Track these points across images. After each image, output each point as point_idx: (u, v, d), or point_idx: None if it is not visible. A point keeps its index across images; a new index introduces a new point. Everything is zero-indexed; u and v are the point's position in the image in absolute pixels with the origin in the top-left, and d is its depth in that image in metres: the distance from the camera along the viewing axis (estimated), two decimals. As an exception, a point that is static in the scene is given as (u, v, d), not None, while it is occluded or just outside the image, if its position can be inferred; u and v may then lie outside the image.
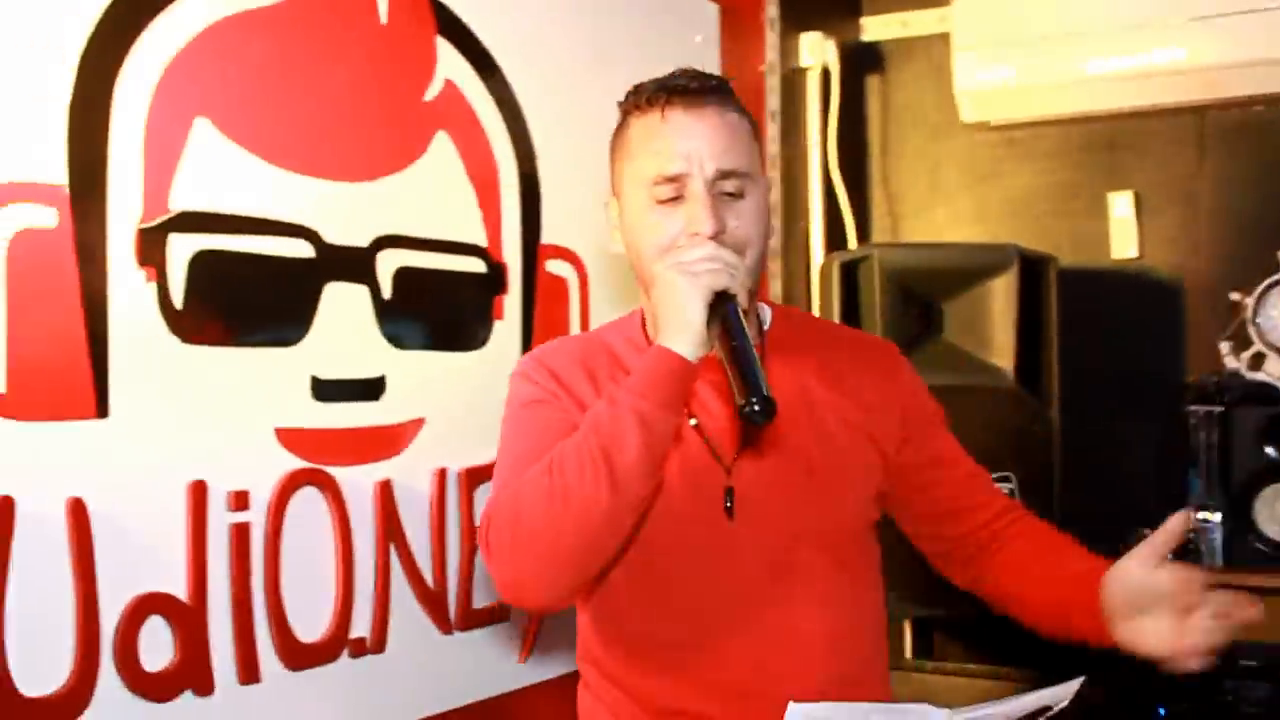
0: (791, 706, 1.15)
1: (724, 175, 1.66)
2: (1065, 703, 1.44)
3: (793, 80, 3.27)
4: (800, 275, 3.31)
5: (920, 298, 2.90)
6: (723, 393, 1.72)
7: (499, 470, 1.74)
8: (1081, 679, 1.51)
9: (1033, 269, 2.87)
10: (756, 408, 1.48)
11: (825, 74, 3.31)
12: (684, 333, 1.55)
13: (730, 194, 1.67)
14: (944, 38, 3.30)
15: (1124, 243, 3.24)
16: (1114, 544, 1.91)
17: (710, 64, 2.92)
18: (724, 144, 1.66)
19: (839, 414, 1.76)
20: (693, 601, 1.70)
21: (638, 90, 1.73)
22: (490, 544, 1.61)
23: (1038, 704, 1.19)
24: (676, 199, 1.65)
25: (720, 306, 1.56)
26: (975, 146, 3.40)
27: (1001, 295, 2.85)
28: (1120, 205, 3.22)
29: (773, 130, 3.17)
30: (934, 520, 1.88)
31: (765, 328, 1.82)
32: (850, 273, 2.89)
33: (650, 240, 1.68)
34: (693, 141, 1.65)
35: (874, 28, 3.51)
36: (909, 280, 2.87)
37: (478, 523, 1.94)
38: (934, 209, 3.49)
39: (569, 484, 1.53)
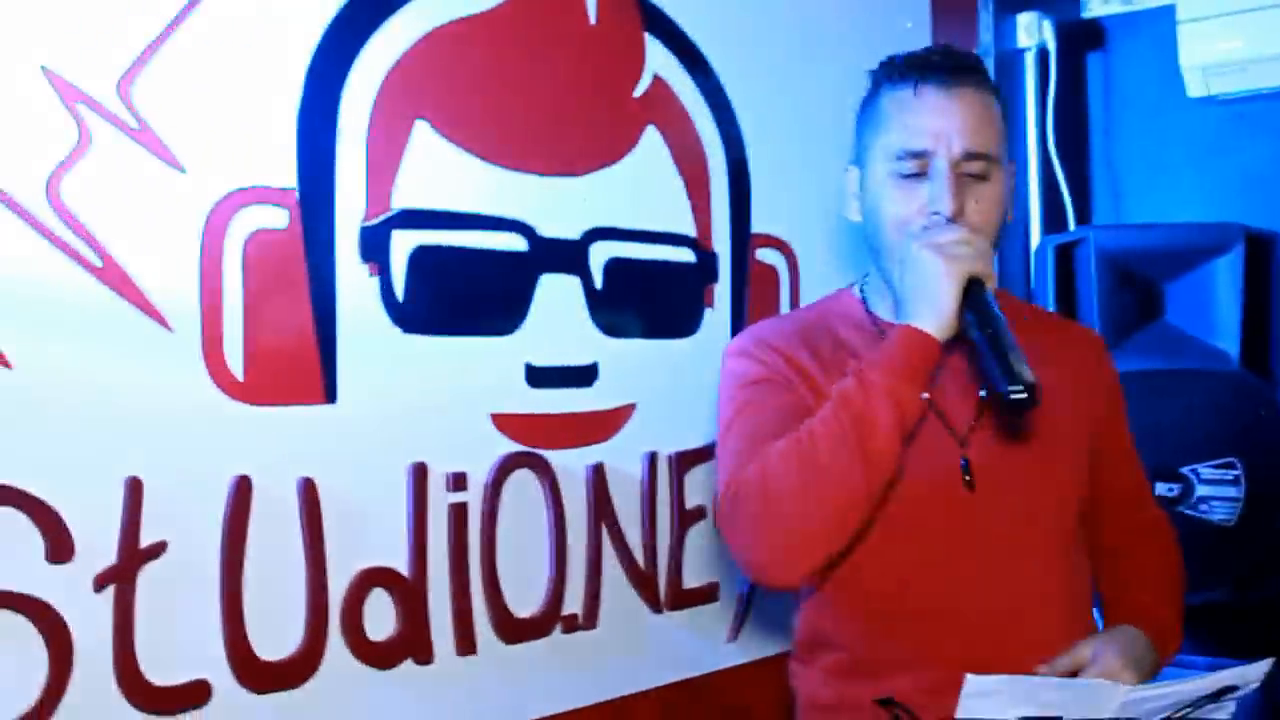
0: (968, 678, 1.16)
1: (970, 156, 1.67)
2: (1254, 684, 1.41)
3: (1008, 62, 3.22)
4: (1017, 259, 3.26)
5: (1139, 280, 2.82)
6: (954, 369, 1.75)
7: (727, 448, 1.76)
8: (1271, 660, 1.48)
9: (1259, 248, 2.75)
10: (1023, 394, 1.49)
11: (1043, 54, 3.24)
12: (936, 314, 1.58)
13: (973, 176, 1.68)
14: (1168, 11, 3.18)
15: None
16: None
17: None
18: (974, 125, 1.68)
19: (1062, 397, 1.75)
20: (935, 573, 1.72)
21: (890, 62, 1.76)
22: (734, 520, 1.65)
23: (1220, 684, 1.18)
24: (919, 175, 1.68)
25: (973, 291, 1.58)
26: (1203, 122, 3.28)
27: (1226, 276, 2.75)
28: (1359, 180, 3.06)
29: (988, 113, 3.13)
30: (1093, 509, 1.87)
31: None
32: (1065, 255, 2.84)
33: (890, 213, 1.71)
34: (943, 119, 1.67)
35: (1095, 4, 3.41)
36: (1127, 262, 2.80)
37: (714, 499, 1.97)
38: (1159, 189, 3.38)
39: (821, 461, 1.56)
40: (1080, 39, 3.43)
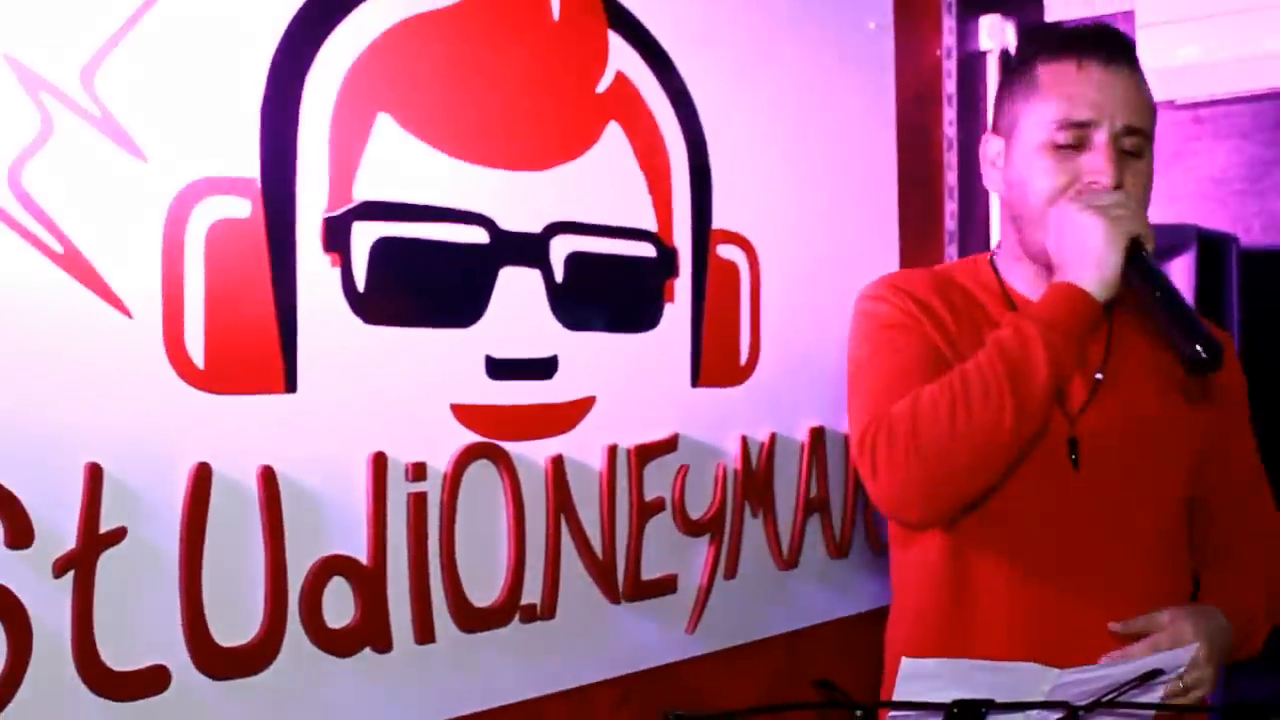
0: (904, 661, 1.19)
1: (1130, 131, 1.72)
2: (1181, 669, 1.45)
3: (971, 64, 3.26)
4: (978, 258, 3.29)
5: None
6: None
7: (865, 385, 1.80)
8: (1195, 645, 1.52)
9: (1212, 249, 2.81)
10: (1205, 354, 1.51)
11: (1005, 56, 3.28)
12: (1098, 272, 1.60)
13: (1130, 152, 1.72)
14: (1128, 16, 3.23)
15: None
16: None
17: (885, 50, 2.93)
18: (1135, 101, 1.74)
19: (1182, 383, 1.81)
20: (1031, 550, 1.76)
21: (1047, 36, 1.82)
22: (877, 458, 1.67)
23: (1149, 667, 1.21)
24: (1075, 148, 1.71)
25: (1136, 254, 1.62)
26: (1162, 126, 3.31)
27: (1180, 276, 2.80)
28: (1314, 184, 3.12)
29: (950, 114, 3.17)
30: (1203, 507, 1.91)
31: None
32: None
33: (1042, 183, 1.73)
34: (1106, 93, 1.71)
35: (1057, 8, 3.46)
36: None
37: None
38: (1119, 190, 3.41)
39: (974, 403, 1.59)
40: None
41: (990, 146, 1.86)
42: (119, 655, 1.65)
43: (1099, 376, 1.80)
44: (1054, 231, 1.68)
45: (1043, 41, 1.81)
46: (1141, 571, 1.78)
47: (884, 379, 1.75)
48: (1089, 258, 1.61)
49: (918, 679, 1.19)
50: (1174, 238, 2.82)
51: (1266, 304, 2.96)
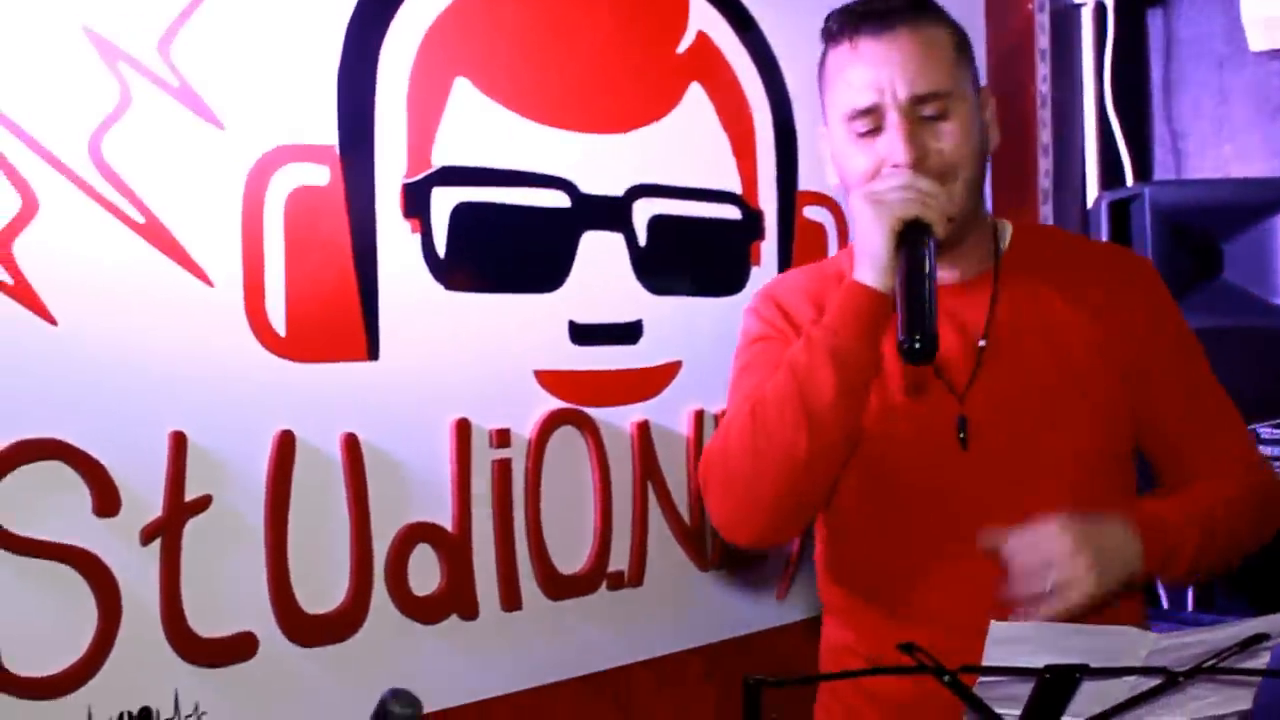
0: (994, 625, 1.13)
1: (920, 100, 1.57)
2: None
3: (1065, 18, 3.16)
4: (1074, 217, 3.20)
5: (1197, 236, 2.76)
6: (956, 320, 1.64)
7: (728, 407, 1.73)
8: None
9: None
10: (917, 345, 1.42)
11: (1099, 9, 3.18)
12: (871, 264, 1.51)
13: (931, 117, 1.58)
14: (1229, -35, 3.11)
15: None
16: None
17: (976, 6, 2.85)
18: (917, 66, 1.57)
19: (1081, 335, 1.65)
20: (924, 534, 1.64)
21: (829, 18, 1.66)
22: (704, 482, 1.64)
23: (1252, 630, 1.13)
24: (875, 130, 1.58)
25: (909, 237, 1.49)
26: (1267, 76, 3.20)
27: (1280, 232, 2.70)
28: None
29: (1044, 70, 3.08)
30: (1169, 454, 1.72)
31: (1003, 247, 1.73)
32: (1121, 212, 2.78)
33: (854, 173, 1.61)
34: (882, 69, 1.57)
35: (1153, -43, 3.34)
36: (1184, 218, 2.74)
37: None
38: (1221, 145, 3.30)
39: (769, 427, 1.52)
40: (1140, -5, 3.36)
41: (822, 142, 1.72)
42: (207, 622, 1.67)
43: (982, 344, 1.65)
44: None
45: (826, 25, 1.66)
46: None
47: (738, 400, 1.66)
48: (864, 248, 1.52)
49: (1008, 642, 1.14)
50: (1275, 190, 2.71)
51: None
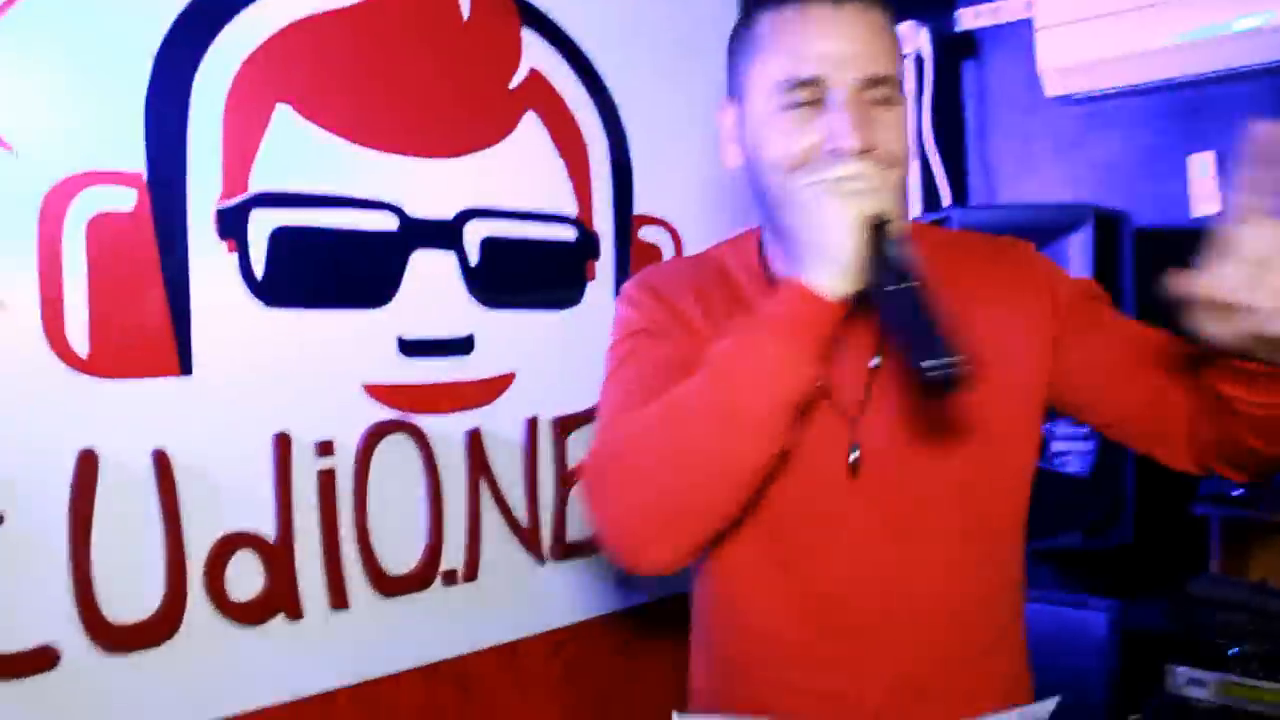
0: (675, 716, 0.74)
1: (872, 82, 1.14)
2: None
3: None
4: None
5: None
6: (850, 335, 1.19)
7: (602, 408, 1.25)
8: (1056, 699, 1.06)
9: (1108, 226, 2.43)
10: (951, 370, 0.97)
11: (919, 61, 2.91)
12: (832, 266, 1.06)
13: (877, 102, 1.15)
14: (1028, 22, 2.85)
15: (1206, 201, 2.74)
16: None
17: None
18: (873, 46, 1.15)
19: (983, 342, 1.09)
20: (809, 567, 1.23)
21: None
22: (594, 493, 1.15)
23: None
24: (812, 104, 1.15)
25: (877, 236, 1.06)
26: (1060, 118, 2.94)
27: (1079, 251, 2.44)
28: (1200, 166, 2.73)
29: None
30: (1140, 404, 1.24)
31: None
32: (933, 234, 2.51)
33: (779, 151, 1.17)
34: (836, 42, 1.14)
35: (968, 17, 3.07)
36: (988, 239, 2.47)
37: (575, 464, 1.69)
38: (1027, 179, 3.04)
39: (690, 436, 1.08)
40: (956, 49, 3.10)
41: (724, 118, 1.27)
42: (6, 636, 1.35)
43: (874, 364, 1.23)
44: (789, 211, 1.13)
45: None
46: (938, 582, 1.22)
47: (617, 397, 1.22)
48: (823, 247, 1.07)
49: None
50: (1073, 215, 2.45)
51: (1158, 278, 2.58)
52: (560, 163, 1.99)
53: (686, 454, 1.08)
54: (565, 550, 1.99)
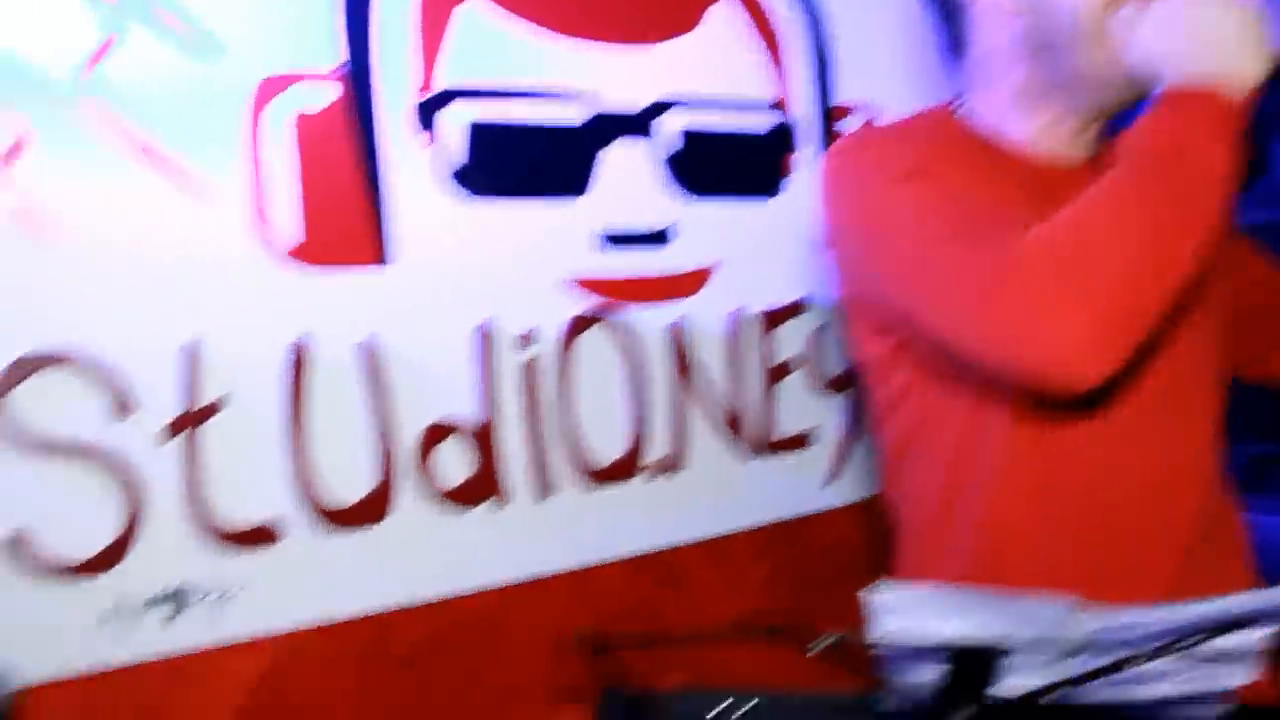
0: (881, 588, 0.64)
1: None
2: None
3: None
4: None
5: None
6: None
7: (928, 239, 1.00)
8: None
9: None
10: None
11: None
12: (1254, 61, 0.94)
13: None
14: None
15: None
16: None
17: None
18: None
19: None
20: (1074, 444, 1.09)
21: None
22: (1040, 298, 0.91)
23: (1235, 609, 0.62)
24: None
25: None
26: None
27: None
28: None
29: None
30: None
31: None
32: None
33: None
34: None
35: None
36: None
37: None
38: None
39: (1161, 221, 0.92)
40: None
41: None
42: (232, 511, 1.38)
43: None
44: (1142, 35, 0.99)
45: None
46: (1202, 456, 1.14)
47: (946, 234, 0.99)
48: (1235, 48, 0.94)
49: (899, 612, 0.67)
50: None
51: None
52: (757, 48, 1.86)
53: (1152, 243, 0.92)
54: (774, 445, 1.89)
